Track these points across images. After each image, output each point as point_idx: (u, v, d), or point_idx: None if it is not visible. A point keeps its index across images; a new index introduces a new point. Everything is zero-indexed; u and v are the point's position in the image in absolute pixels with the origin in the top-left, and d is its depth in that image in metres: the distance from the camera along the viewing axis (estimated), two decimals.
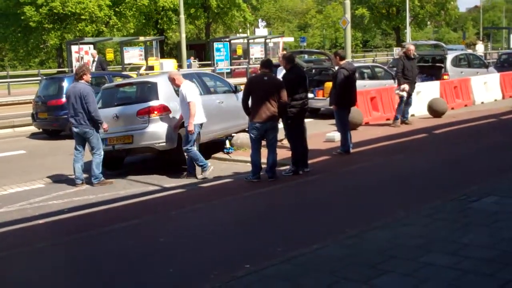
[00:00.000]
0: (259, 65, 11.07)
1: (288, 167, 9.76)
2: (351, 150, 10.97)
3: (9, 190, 9.84)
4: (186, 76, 12.19)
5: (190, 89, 9.99)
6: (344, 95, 10.72)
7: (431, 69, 20.80)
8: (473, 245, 5.20)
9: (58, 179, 10.49)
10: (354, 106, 11.69)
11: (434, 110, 15.62)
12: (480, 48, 38.31)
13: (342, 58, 11.06)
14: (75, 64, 30.18)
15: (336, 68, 11.32)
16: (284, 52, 13.69)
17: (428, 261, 4.86)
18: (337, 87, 10.62)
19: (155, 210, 8.11)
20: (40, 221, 7.79)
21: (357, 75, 17.61)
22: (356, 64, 18.70)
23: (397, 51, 49.82)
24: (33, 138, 16.28)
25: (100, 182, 9.81)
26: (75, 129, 9.86)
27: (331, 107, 10.97)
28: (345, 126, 10.91)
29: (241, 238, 6.38)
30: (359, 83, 17.03)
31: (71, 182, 10.16)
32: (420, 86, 17.35)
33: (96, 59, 22.26)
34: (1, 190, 9.83)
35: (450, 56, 20.60)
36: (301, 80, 9.66)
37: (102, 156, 9.87)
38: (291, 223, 6.80)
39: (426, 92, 16.73)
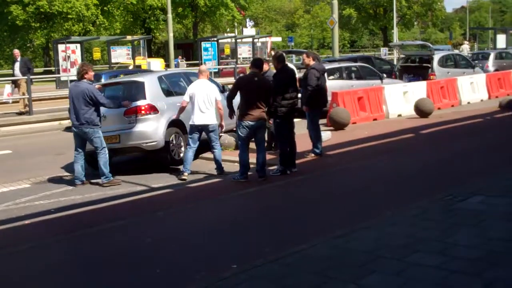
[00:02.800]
0: (248, 65, 11.10)
1: (276, 167, 9.76)
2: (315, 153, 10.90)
3: None
4: (173, 76, 12.21)
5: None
6: (316, 96, 10.61)
7: (418, 69, 20.93)
8: (460, 245, 5.23)
9: (45, 179, 10.41)
10: (325, 108, 11.67)
11: (421, 110, 15.69)
12: (465, 49, 38.61)
13: (313, 58, 10.82)
14: (62, 63, 29.97)
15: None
16: (273, 52, 13.65)
17: (415, 261, 4.87)
18: (309, 88, 10.49)
19: (142, 210, 8.07)
20: (26, 222, 7.73)
21: (344, 75, 17.84)
22: (344, 64, 18.78)
23: (384, 51, 50.13)
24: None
25: (110, 182, 9.67)
26: (74, 129, 9.75)
27: (303, 108, 10.79)
28: (317, 129, 10.86)
29: (228, 238, 6.37)
30: (347, 83, 17.20)
31: (57, 182, 10.10)
32: (407, 86, 17.47)
33: (19, 59, 19.42)
34: None
35: (436, 57, 20.76)
36: (291, 80, 9.66)
37: (107, 154, 9.74)
38: (278, 223, 6.81)
39: (413, 92, 16.82)
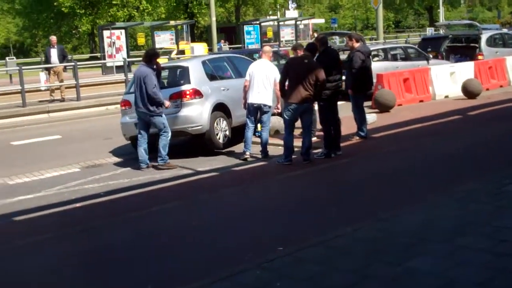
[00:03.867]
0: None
1: (320, 150, 9.75)
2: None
3: (46, 174, 10.04)
4: (217, 60, 12.27)
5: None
6: (361, 79, 10.49)
7: (465, 49, 20.46)
8: (507, 228, 5.16)
9: (93, 163, 10.66)
10: (370, 91, 11.55)
11: (469, 91, 15.38)
12: None
13: (358, 40, 10.76)
14: (107, 49, 30.40)
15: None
16: (315, 34, 13.58)
17: (462, 244, 4.83)
18: (354, 71, 10.42)
19: (188, 194, 8.20)
20: (77, 205, 7.97)
21: (389, 56, 17.61)
22: (388, 45, 18.54)
23: (430, 32, 49.17)
24: None
25: (166, 164, 9.81)
26: (137, 111, 9.85)
27: (348, 91, 10.69)
28: (362, 112, 10.77)
29: (273, 221, 6.43)
30: (392, 65, 16.97)
31: (106, 166, 10.34)
32: (454, 66, 17.14)
33: (56, 47, 18.97)
34: (38, 174, 10.04)
35: (484, 36, 20.22)
36: (334, 62, 9.60)
37: (169, 138, 9.85)
38: (323, 207, 6.83)
39: (460, 73, 16.48)
